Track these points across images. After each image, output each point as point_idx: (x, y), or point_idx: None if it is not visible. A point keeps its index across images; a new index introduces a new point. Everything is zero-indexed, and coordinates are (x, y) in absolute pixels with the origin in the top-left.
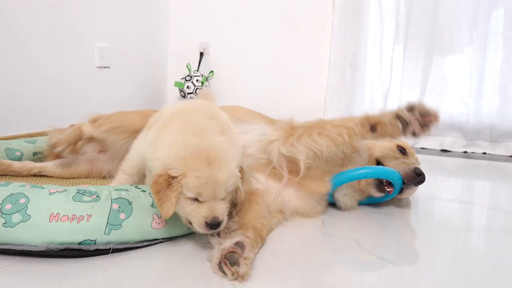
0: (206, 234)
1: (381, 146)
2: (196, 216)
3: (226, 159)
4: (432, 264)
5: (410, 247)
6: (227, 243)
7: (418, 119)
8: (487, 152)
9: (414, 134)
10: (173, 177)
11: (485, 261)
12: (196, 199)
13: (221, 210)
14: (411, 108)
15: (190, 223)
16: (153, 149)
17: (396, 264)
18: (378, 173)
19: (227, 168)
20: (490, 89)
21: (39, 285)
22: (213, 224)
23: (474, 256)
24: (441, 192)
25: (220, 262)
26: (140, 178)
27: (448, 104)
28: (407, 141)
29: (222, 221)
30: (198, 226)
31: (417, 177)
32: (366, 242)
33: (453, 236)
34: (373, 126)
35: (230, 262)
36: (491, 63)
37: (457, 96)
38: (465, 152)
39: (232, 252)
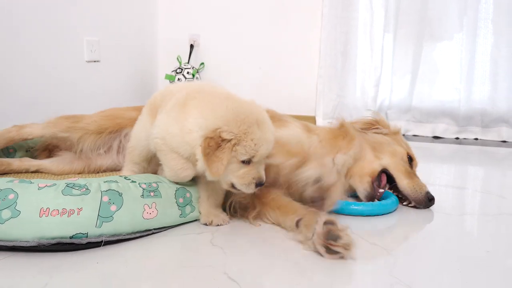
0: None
1: (391, 150)
2: (246, 178)
3: (268, 120)
4: (425, 248)
5: (403, 232)
6: (317, 227)
7: None
8: (478, 137)
9: None
10: (224, 139)
11: (477, 244)
12: (244, 162)
13: (263, 171)
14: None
15: (233, 186)
16: (177, 126)
17: (390, 250)
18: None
19: (272, 127)
20: (480, 75)
21: (31, 278)
22: (260, 184)
23: (467, 239)
24: (434, 178)
25: (328, 248)
26: (148, 164)
27: (439, 91)
28: (409, 145)
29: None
30: (246, 187)
31: (429, 203)
32: (359, 228)
33: (446, 220)
34: None
35: (332, 239)
36: (481, 48)
37: (448, 83)
38: (457, 138)
39: (328, 231)
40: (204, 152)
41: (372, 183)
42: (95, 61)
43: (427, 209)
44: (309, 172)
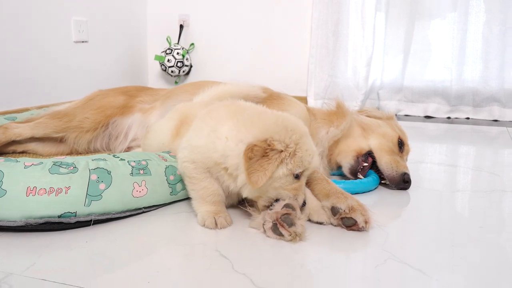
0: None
1: (381, 132)
2: (301, 192)
3: (307, 130)
4: (417, 224)
5: (395, 209)
6: (277, 206)
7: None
8: (470, 117)
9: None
10: (273, 149)
11: (469, 220)
12: (296, 177)
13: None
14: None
15: (270, 203)
16: (207, 133)
17: (382, 226)
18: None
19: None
20: (472, 54)
21: (19, 258)
22: (305, 203)
23: (459, 215)
24: (426, 156)
25: (275, 225)
26: None
27: (431, 70)
28: (405, 132)
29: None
30: (297, 200)
31: (403, 184)
32: None
33: (438, 197)
34: None
35: (286, 223)
36: (473, 27)
37: (440, 62)
38: (449, 117)
39: (287, 213)
40: (246, 157)
41: (357, 157)
42: (83, 42)
43: (420, 187)
44: None
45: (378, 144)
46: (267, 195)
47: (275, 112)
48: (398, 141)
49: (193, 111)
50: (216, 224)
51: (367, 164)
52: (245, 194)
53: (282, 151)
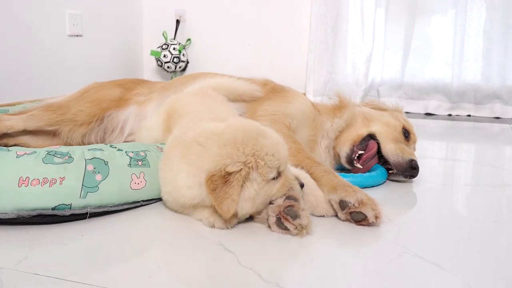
0: None
1: (384, 121)
2: (287, 184)
3: (258, 124)
4: (430, 218)
5: (403, 203)
6: (279, 199)
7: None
8: (471, 114)
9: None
10: (231, 173)
11: (484, 214)
12: (274, 178)
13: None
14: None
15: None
16: (179, 194)
17: (392, 219)
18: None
19: (269, 130)
20: (474, 50)
21: (10, 251)
22: (302, 183)
23: (472, 209)
24: (430, 152)
25: (279, 219)
26: None
27: (432, 67)
28: (411, 124)
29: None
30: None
31: (410, 171)
32: None
33: (448, 191)
34: None
35: (290, 216)
36: (475, 23)
37: (441, 58)
38: (450, 115)
39: (290, 206)
40: (210, 189)
41: (353, 145)
42: (77, 36)
43: (426, 181)
44: None
45: (382, 130)
46: (261, 209)
47: (217, 131)
48: (403, 130)
49: (179, 103)
50: (226, 224)
51: (363, 152)
52: (241, 216)
53: (241, 169)
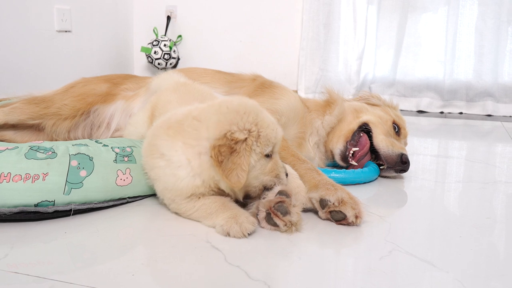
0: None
1: (376, 113)
2: (276, 169)
3: (256, 103)
4: (421, 215)
5: (394, 200)
6: (270, 194)
7: None
8: (463, 112)
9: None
10: (237, 141)
11: (476, 211)
12: (267, 156)
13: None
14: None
15: (264, 188)
16: (175, 179)
17: (383, 217)
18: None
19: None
20: (465, 47)
21: None
22: (287, 174)
23: (464, 207)
24: (422, 149)
25: (269, 214)
26: None
27: (424, 64)
28: (404, 120)
29: None
30: (280, 179)
31: (401, 165)
32: None
33: (439, 188)
34: None
35: (280, 212)
36: (466, 20)
37: (433, 56)
38: (442, 112)
39: (280, 202)
40: (217, 162)
41: (346, 141)
42: (66, 31)
43: (418, 178)
44: None
45: (373, 120)
46: (252, 185)
47: (213, 104)
48: (393, 125)
49: (162, 97)
50: (242, 232)
51: (357, 149)
52: (234, 194)
53: (246, 138)
